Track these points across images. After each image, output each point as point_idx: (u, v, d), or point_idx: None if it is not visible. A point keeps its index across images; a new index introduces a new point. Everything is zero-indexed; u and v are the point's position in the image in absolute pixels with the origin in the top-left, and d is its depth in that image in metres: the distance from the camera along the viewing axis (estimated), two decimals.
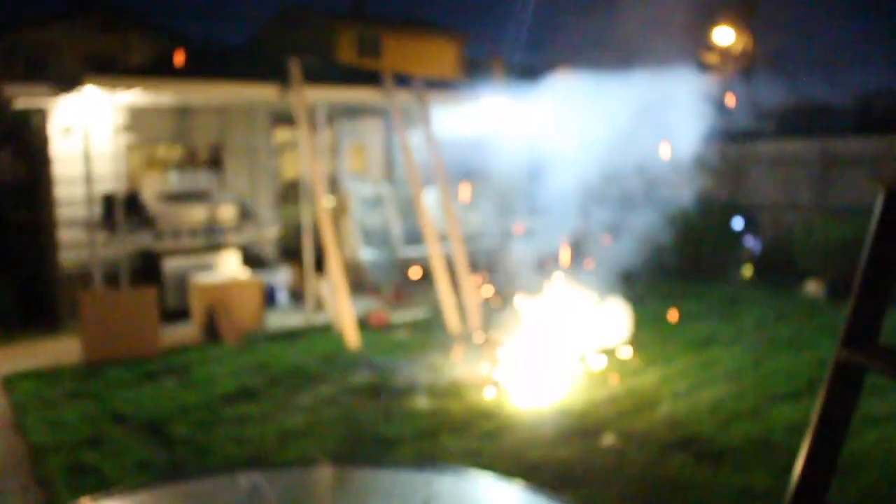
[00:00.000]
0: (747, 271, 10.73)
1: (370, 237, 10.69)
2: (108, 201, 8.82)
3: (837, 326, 1.80)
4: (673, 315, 8.29)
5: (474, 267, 9.23)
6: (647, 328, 8.00)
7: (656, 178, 7.78)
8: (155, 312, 7.81)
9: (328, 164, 10.76)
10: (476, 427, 5.55)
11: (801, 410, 5.59)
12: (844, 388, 1.77)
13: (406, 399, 6.17)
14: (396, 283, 10.29)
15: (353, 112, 11.19)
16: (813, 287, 9.53)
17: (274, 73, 9.12)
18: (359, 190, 10.90)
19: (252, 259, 9.83)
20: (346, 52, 21.80)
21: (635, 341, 7.51)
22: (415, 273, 9.94)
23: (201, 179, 10.15)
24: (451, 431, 5.48)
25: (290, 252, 11.03)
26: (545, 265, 8.54)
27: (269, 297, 9.38)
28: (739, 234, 10.93)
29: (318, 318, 8.86)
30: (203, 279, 8.46)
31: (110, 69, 16.31)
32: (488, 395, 6.19)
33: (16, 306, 9.21)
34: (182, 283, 9.00)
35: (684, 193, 8.45)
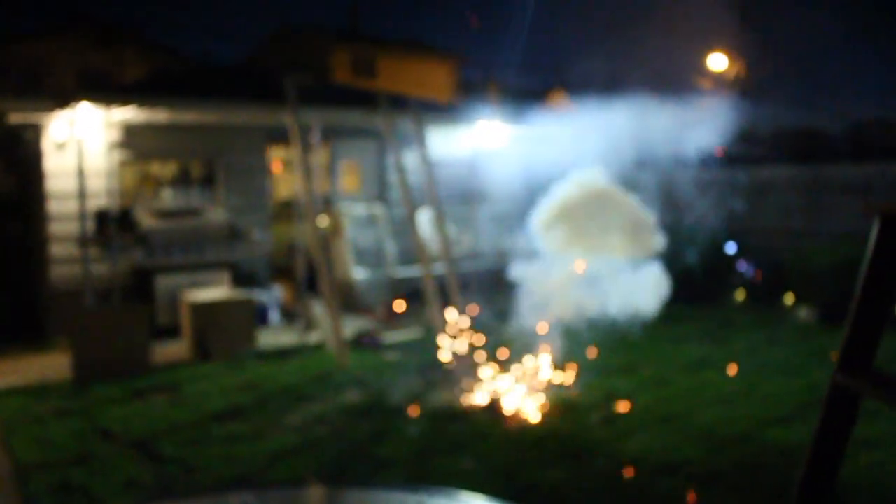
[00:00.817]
0: (740, 295, 10.74)
1: (363, 257, 10.68)
2: (101, 217, 8.80)
3: (829, 351, 1.81)
4: (732, 369, 7.71)
5: (468, 288, 9.22)
6: (641, 350, 8.00)
7: (659, 199, 7.78)
8: (146, 329, 7.77)
9: (322, 183, 10.77)
10: (468, 448, 5.52)
11: (793, 435, 5.58)
12: (841, 413, 1.77)
13: (398, 419, 6.14)
14: (389, 303, 10.27)
15: (348, 132, 11.21)
16: (805, 312, 9.54)
17: (269, 91, 9.14)
18: (352, 210, 10.91)
19: (244, 277, 9.80)
20: (342, 72, 21.87)
21: (629, 363, 7.50)
22: (399, 306, 9.82)
23: (194, 196, 10.14)
24: (443, 452, 5.44)
25: (282, 270, 11.00)
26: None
27: (260, 316, 9.34)
28: (732, 259, 10.95)
29: (310, 338, 8.83)
30: (195, 296, 8.42)
31: (105, 85, 16.32)
32: (481, 416, 6.17)
33: (4, 321, 9.16)
34: (174, 300, 8.96)
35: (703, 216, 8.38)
